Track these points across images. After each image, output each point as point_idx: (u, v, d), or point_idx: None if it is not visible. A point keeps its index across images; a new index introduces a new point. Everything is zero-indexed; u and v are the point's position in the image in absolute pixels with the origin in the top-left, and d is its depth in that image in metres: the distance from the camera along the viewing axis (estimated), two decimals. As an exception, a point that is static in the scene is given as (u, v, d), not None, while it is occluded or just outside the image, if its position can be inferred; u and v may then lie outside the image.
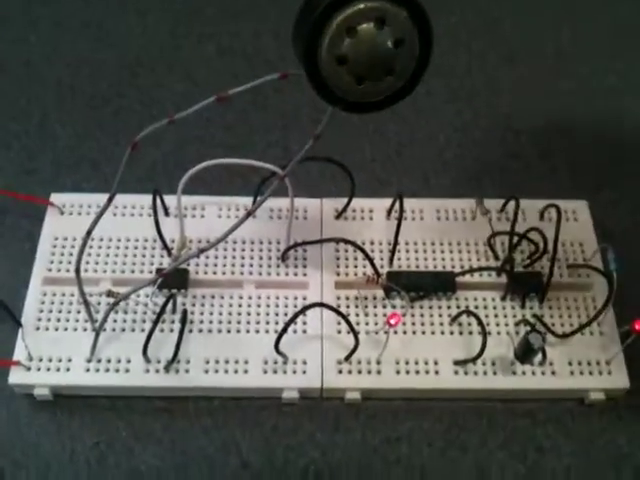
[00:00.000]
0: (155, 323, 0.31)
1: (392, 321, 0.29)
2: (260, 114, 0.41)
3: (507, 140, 0.41)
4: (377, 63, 0.24)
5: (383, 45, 0.24)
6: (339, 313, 0.31)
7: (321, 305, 0.31)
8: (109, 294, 0.31)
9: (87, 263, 0.34)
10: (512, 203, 0.35)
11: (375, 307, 0.34)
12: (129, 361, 0.32)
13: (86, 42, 0.44)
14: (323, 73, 0.24)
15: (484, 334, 0.31)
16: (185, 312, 0.32)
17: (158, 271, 0.33)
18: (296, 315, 0.30)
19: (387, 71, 0.25)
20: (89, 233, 0.29)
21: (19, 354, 0.32)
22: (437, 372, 0.32)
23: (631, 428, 0.32)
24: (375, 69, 0.24)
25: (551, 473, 0.31)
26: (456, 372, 0.32)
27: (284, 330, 0.30)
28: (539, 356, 0.31)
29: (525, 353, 0.31)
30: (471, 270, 0.34)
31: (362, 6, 0.23)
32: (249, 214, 0.28)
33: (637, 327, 0.30)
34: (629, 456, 0.32)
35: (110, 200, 0.28)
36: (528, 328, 0.32)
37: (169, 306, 0.32)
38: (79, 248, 0.29)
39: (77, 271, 0.30)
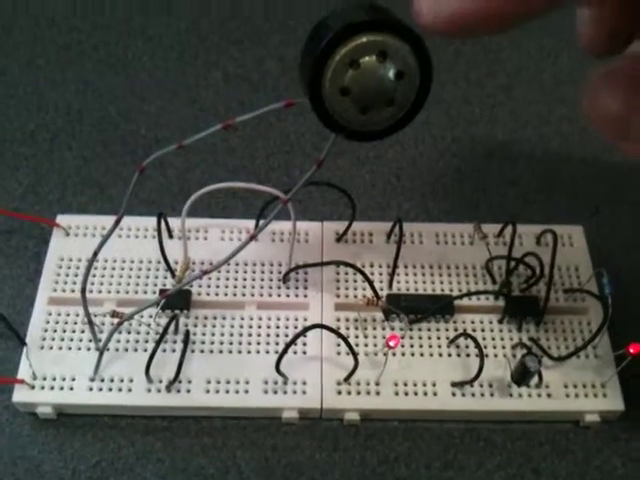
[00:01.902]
0: (158, 343, 0.31)
1: (391, 343, 0.30)
2: (263, 139, 0.42)
3: (505, 167, 0.42)
4: (378, 94, 0.25)
5: (385, 77, 0.25)
6: (339, 334, 0.31)
7: (321, 327, 0.32)
8: (113, 314, 0.32)
9: (92, 284, 0.35)
10: (509, 228, 0.36)
11: (374, 329, 0.34)
12: (131, 380, 0.32)
13: (94, 67, 0.45)
14: (327, 103, 0.25)
15: (481, 356, 0.32)
16: (187, 332, 0.32)
17: (161, 292, 0.34)
18: (297, 336, 0.31)
19: (388, 102, 0.25)
20: (95, 254, 0.29)
21: (23, 373, 0.32)
22: (435, 394, 0.32)
23: (626, 450, 0.33)
24: (376, 100, 0.25)
25: (547, 495, 0.32)
26: (454, 394, 0.32)
27: (284, 351, 0.31)
28: (535, 379, 0.32)
29: (521, 376, 0.31)
30: (469, 294, 0.34)
31: (365, 40, 0.24)
32: (252, 237, 0.29)
33: (631, 350, 0.31)
34: (624, 477, 0.32)
35: (118, 222, 0.29)
36: (525, 351, 0.32)
37: (172, 327, 0.33)
38: (85, 269, 0.30)
39: (83, 291, 0.30)
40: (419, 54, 0.25)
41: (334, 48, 0.24)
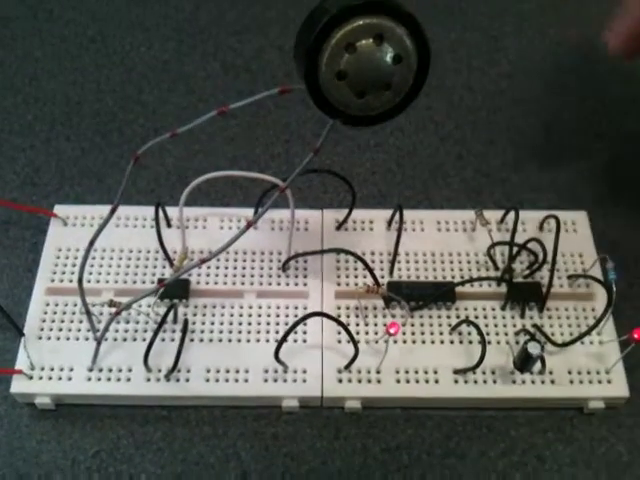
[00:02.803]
0: (156, 332, 0.31)
1: (392, 330, 0.29)
2: (263, 128, 0.42)
3: (507, 152, 0.41)
4: (375, 79, 0.25)
5: (381, 61, 0.24)
6: (339, 322, 0.31)
7: (321, 314, 0.31)
8: (111, 304, 0.32)
9: (90, 274, 0.34)
10: (512, 214, 0.36)
11: (375, 317, 0.34)
12: (130, 370, 0.32)
13: (92, 58, 0.45)
14: (323, 88, 0.25)
15: (484, 343, 0.31)
16: (186, 321, 0.32)
17: (160, 281, 0.34)
18: (296, 324, 0.30)
19: (385, 86, 0.25)
20: (92, 243, 0.29)
21: (21, 363, 0.32)
22: (437, 381, 0.32)
23: (631, 437, 0.32)
24: (374, 84, 0.25)
25: (551, 482, 0.31)
26: (456, 381, 0.32)
27: (284, 339, 0.30)
28: (538, 365, 0.31)
29: (524, 362, 0.31)
30: (471, 280, 0.34)
31: (361, 23, 0.24)
32: (250, 225, 0.28)
33: (636, 336, 0.30)
34: (629, 465, 0.32)
35: (113, 211, 0.29)
36: (527, 337, 0.32)
37: (170, 316, 0.33)
38: (82, 258, 0.29)
39: (80, 281, 0.30)
40: (416, 37, 0.24)
41: (330, 31, 0.24)
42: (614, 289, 0.32)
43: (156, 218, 0.35)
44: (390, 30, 0.24)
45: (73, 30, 0.46)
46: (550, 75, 0.45)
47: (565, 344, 0.32)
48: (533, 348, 0.30)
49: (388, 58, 0.24)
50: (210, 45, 0.46)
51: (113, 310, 0.31)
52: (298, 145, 0.41)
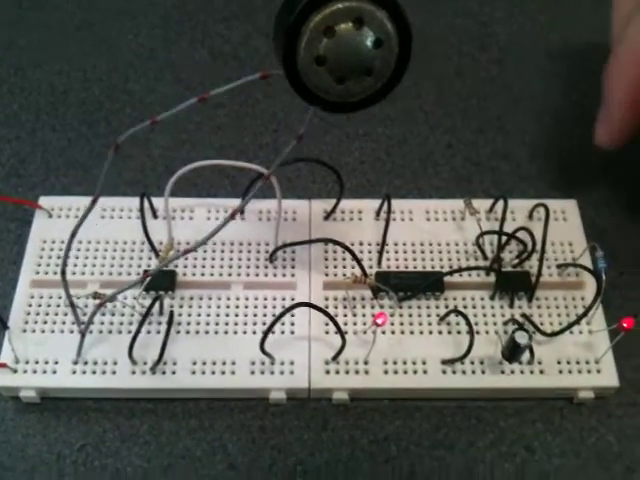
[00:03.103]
0: (140, 324, 0.30)
1: (379, 320, 0.29)
2: (250, 117, 0.42)
3: (497, 141, 0.41)
4: (356, 63, 0.24)
5: (362, 45, 0.24)
6: (325, 312, 0.31)
7: (307, 305, 0.31)
8: (95, 296, 0.31)
9: (75, 266, 0.34)
10: (501, 203, 0.35)
11: (364, 307, 0.34)
12: (115, 363, 0.32)
13: (78, 47, 0.44)
14: (302, 73, 0.24)
15: (471, 333, 0.31)
16: (171, 313, 0.32)
17: (144, 272, 0.33)
18: (281, 315, 0.30)
19: (366, 71, 0.25)
20: (74, 234, 0.29)
21: (5, 356, 0.31)
22: (425, 372, 0.32)
23: (621, 427, 0.32)
24: (354, 69, 0.24)
25: (540, 472, 0.31)
26: (444, 371, 0.32)
27: (269, 330, 0.30)
28: (526, 355, 0.31)
29: (512, 352, 0.30)
30: (459, 270, 0.34)
31: (340, 6, 0.23)
32: (234, 214, 0.28)
33: (625, 325, 0.30)
34: (619, 455, 0.31)
35: (94, 201, 0.28)
36: (516, 327, 0.31)
37: (156, 308, 0.32)
38: (65, 249, 0.29)
39: (63, 272, 0.30)
40: (397, 21, 0.24)
41: (308, 15, 0.23)
42: (603, 278, 0.32)
43: (141, 208, 0.34)
44: (370, 14, 0.23)
45: (58, 18, 0.46)
46: (540, 61, 0.44)
47: (554, 334, 0.32)
48: (521, 338, 0.29)
49: (368, 42, 0.24)
50: (197, 32, 0.45)
51: (98, 302, 0.31)
52: (286, 135, 0.41)
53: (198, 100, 0.27)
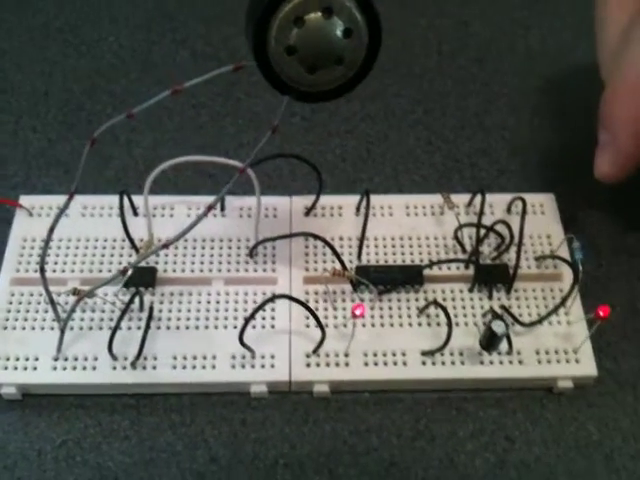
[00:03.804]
0: (119, 320, 0.31)
1: (357, 312, 0.29)
2: (232, 117, 0.42)
3: (476, 138, 0.41)
4: (326, 53, 0.25)
5: (331, 35, 0.24)
6: (304, 305, 0.31)
7: (286, 297, 0.31)
8: (74, 292, 0.31)
9: (56, 264, 0.34)
10: (480, 198, 0.36)
11: (344, 301, 0.34)
12: (96, 359, 0.32)
13: (59, 48, 0.44)
14: (273, 63, 0.25)
15: (450, 324, 0.31)
16: (151, 308, 0.32)
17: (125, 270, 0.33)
18: (259, 307, 0.30)
19: (337, 61, 0.25)
20: (52, 230, 0.29)
21: (-14, 354, 0.32)
22: (405, 363, 0.32)
23: (601, 416, 0.32)
24: (324, 59, 0.25)
25: (521, 462, 0.31)
26: (424, 363, 0.32)
27: (247, 322, 0.30)
28: (505, 344, 0.31)
29: (489, 341, 0.31)
30: (438, 262, 0.34)
31: None
32: (210, 208, 0.28)
33: (601, 313, 0.30)
34: (600, 444, 0.32)
35: (71, 196, 0.28)
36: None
37: (137, 304, 0.33)
38: (43, 245, 0.29)
39: (41, 268, 0.30)
40: (366, 10, 0.24)
41: (277, 5, 0.23)
42: (580, 268, 0.32)
43: (120, 206, 0.34)
44: (339, 3, 0.24)
45: (40, 20, 0.46)
46: (519, 60, 0.45)
47: (532, 324, 0.32)
48: (497, 326, 0.29)
49: (338, 32, 0.24)
50: (178, 33, 0.45)
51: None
52: (267, 133, 0.41)
53: (172, 92, 0.27)
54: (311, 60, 0.25)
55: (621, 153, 0.32)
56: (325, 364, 0.32)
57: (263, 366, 0.32)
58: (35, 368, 0.31)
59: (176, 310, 0.33)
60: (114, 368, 0.31)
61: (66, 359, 0.32)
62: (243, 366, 0.32)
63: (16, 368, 0.31)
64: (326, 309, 0.33)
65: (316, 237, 0.33)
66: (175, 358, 0.32)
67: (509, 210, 0.36)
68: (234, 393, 0.32)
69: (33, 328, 0.32)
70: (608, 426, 0.32)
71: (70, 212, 0.36)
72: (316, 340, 0.32)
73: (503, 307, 0.33)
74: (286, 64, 0.25)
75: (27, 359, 0.32)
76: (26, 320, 0.33)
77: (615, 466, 0.31)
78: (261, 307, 0.30)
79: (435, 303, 0.33)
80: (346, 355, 0.32)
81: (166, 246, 0.29)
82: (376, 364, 0.32)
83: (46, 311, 0.33)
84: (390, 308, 0.33)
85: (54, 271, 0.34)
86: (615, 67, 0.32)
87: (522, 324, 0.32)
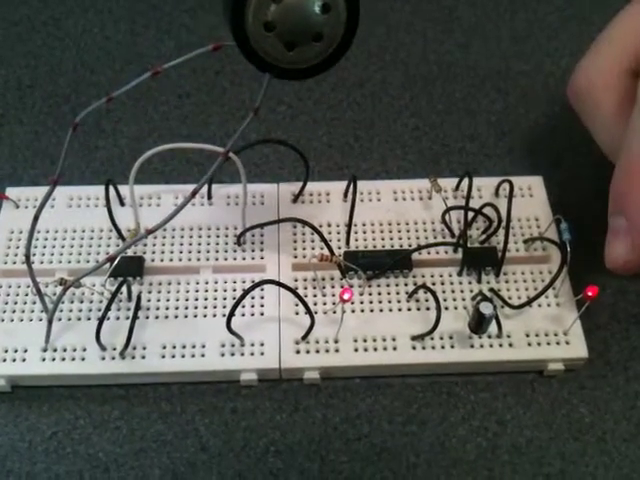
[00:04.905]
0: (106, 310, 0.30)
1: (345, 296, 0.29)
2: (217, 105, 0.42)
3: (463, 122, 0.41)
4: (304, 29, 0.25)
5: (309, 11, 0.24)
6: (292, 290, 0.31)
7: (271, 282, 0.31)
8: (61, 282, 0.31)
9: (43, 255, 0.34)
10: (467, 181, 0.35)
11: (333, 287, 0.34)
12: (85, 349, 0.31)
13: (44, 41, 0.44)
14: (252, 40, 0.25)
15: (438, 308, 0.31)
16: (139, 297, 0.32)
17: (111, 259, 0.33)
18: (245, 293, 0.30)
19: (315, 37, 0.25)
20: (36, 218, 0.29)
21: (-26, 346, 0.31)
22: (395, 348, 0.32)
23: (592, 398, 0.32)
24: (303, 35, 0.25)
25: (513, 445, 0.31)
26: (414, 347, 0.32)
27: (234, 309, 0.30)
28: (494, 326, 0.31)
29: (478, 323, 0.30)
30: (426, 246, 0.34)
31: None
32: (194, 193, 0.28)
33: (590, 294, 0.30)
34: (591, 426, 0.32)
35: (55, 183, 0.28)
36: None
37: (125, 294, 0.32)
38: (28, 234, 0.29)
39: (27, 257, 0.29)
40: None
41: None
42: (568, 249, 0.32)
43: (106, 196, 0.34)
44: None
45: (25, 14, 0.45)
46: (505, 44, 0.45)
47: (521, 306, 0.32)
48: (485, 308, 0.29)
49: (316, 8, 0.24)
50: (163, 24, 0.45)
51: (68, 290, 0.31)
52: (253, 122, 0.40)
53: (152, 74, 0.27)
54: (289, 36, 0.24)
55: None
56: (315, 350, 0.32)
57: (252, 354, 0.32)
58: (24, 359, 0.31)
59: (164, 299, 0.33)
60: (103, 358, 0.31)
61: (55, 350, 0.31)
62: (232, 354, 0.32)
63: (5, 360, 0.31)
64: (315, 295, 0.33)
65: (304, 223, 0.33)
66: (164, 347, 0.32)
67: (497, 193, 0.36)
68: (224, 381, 0.32)
69: (21, 320, 0.32)
70: (600, 408, 0.32)
71: (56, 203, 0.35)
72: (305, 326, 0.32)
73: (492, 290, 0.33)
74: (265, 41, 0.25)
75: (16, 351, 0.31)
76: (14, 312, 0.32)
77: (607, 448, 0.31)
78: (248, 292, 0.30)
79: (424, 287, 0.32)
80: (336, 341, 0.32)
81: (151, 232, 0.28)
82: (366, 349, 0.32)
83: (34, 302, 0.33)
84: (379, 293, 0.33)
85: (42, 262, 0.34)
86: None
87: (511, 307, 0.32)
